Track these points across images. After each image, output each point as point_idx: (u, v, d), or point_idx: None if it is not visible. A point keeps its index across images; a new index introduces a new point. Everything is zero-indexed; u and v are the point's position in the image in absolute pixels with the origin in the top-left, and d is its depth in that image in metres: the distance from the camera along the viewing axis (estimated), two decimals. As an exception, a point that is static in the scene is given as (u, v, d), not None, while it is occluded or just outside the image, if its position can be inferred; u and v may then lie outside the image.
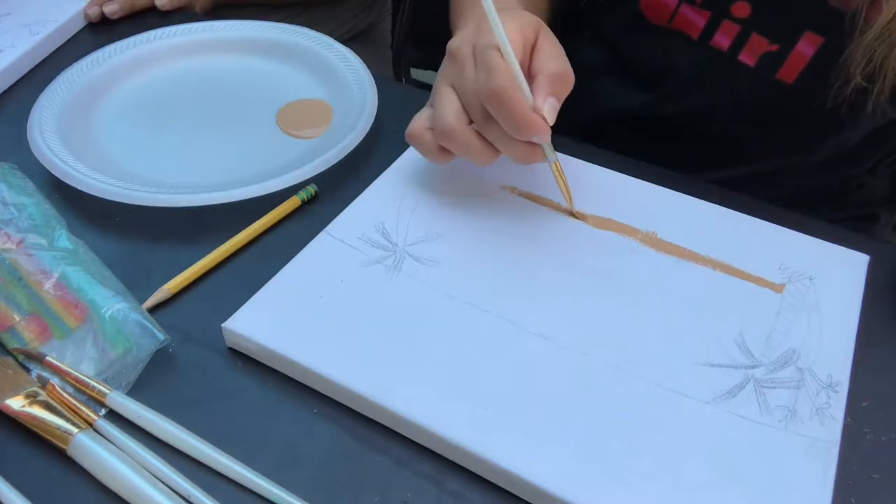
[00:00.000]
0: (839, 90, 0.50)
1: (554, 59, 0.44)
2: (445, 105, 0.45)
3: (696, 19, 0.55)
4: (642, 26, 0.59)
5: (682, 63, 0.58)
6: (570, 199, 0.49)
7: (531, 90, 0.43)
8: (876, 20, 0.46)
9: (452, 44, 0.46)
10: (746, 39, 0.54)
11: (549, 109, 0.43)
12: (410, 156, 0.53)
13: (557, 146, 0.46)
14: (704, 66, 0.57)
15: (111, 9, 0.70)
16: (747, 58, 0.55)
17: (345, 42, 0.64)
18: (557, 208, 0.49)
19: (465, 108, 0.44)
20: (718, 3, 0.54)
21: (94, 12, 0.70)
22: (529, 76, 0.44)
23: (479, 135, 0.45)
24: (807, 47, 0.52)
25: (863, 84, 0.49)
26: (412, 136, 0.47)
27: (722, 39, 0.55)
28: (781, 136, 0.60)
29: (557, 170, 0.48)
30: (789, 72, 0.54)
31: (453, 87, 0.45)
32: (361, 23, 0.99)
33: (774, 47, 0.54)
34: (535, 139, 0.43)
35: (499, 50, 0.42)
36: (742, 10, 0.53)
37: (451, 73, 0.46)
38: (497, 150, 0.45)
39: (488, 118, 0.43)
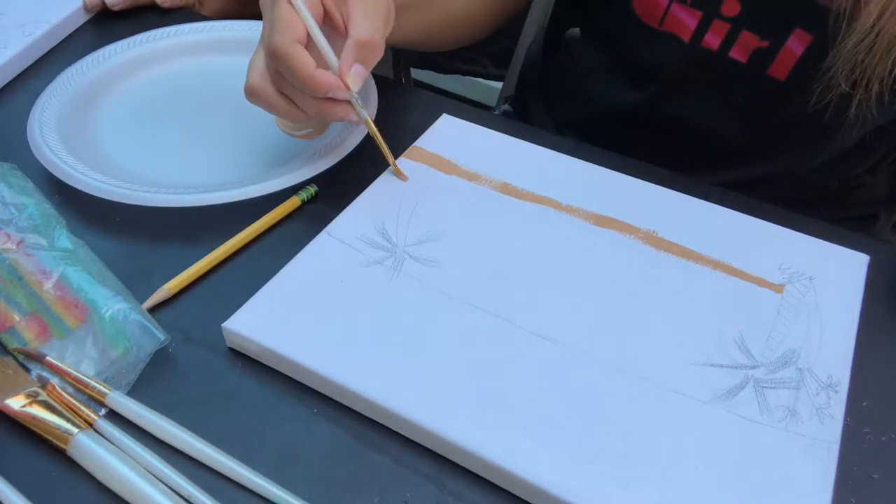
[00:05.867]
0: (822, 95, 0.50)
1: (364, 21, 0.42)
2: (253, 63, 0.45)
3: (688, 20, 0.56)
4: (634, 25, 0.59)
5: (674, 64, 0.58)
6: (388, 153, 0.49)
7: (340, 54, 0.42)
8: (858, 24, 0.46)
9: None
10: (736, 37, 0.54)
11: (354, 76, 0.42)
12: (410, 156, 0.53)
13: (557, 146, 0.45)
14: (697, 67, 0.57)
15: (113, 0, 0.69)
16: (738, 54, 0.55)
17: None
18: (557, 207, 0.49)
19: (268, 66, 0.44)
20: (708, 1, 0.54)
21: (92, 2, 0.69)
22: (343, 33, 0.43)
23: (283, 94, 0.44)
24: (796, 45, 0.52)
25: (847, 90, 0.49)
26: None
27: (713, 39, 0.55)
28: (777, 138, 0.60)
29: (371, 126, 0.48)
30: (780, 69, 0.54)
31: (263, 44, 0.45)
32: None
33: (765, 44, 0.54)
34: (331, 95, 0.42)
35: (290, 1, 0.41)
36: (732, 8, 0.54)
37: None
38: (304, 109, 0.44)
39: (280, 74, 0.43)
